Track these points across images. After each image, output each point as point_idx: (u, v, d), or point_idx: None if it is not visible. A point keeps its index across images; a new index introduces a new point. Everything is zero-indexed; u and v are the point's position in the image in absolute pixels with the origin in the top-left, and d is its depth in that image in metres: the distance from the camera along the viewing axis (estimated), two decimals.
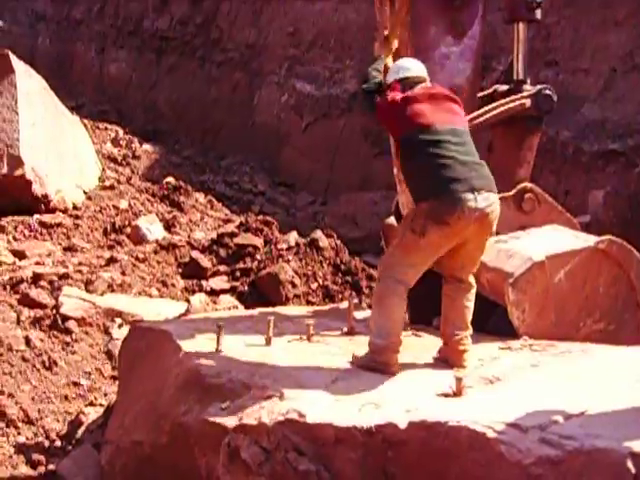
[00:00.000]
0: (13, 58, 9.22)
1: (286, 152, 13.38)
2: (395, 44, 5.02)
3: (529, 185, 5.24)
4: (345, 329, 4.89)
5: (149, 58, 16.84)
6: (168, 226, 9.04)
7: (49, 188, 8.90)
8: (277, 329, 4.69)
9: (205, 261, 7.87)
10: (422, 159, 4.17)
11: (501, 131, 5.37)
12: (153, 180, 11.18)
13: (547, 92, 5.26)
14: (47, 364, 6.03)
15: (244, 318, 5.33)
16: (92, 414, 5.61)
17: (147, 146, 13.15)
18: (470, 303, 4.27)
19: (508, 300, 4.60)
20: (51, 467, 5.20)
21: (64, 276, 7.07)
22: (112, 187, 10.12)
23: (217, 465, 3.87)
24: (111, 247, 8.28)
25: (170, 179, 10.90)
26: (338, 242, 8.14)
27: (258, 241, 8.09)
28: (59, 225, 8.50)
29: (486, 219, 4.13)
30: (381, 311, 4.17)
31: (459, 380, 3.66)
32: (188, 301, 7.12)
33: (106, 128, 13.15)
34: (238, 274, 7.69)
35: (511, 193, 5.14)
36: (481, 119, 5.17)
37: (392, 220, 5.50)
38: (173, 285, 7.51)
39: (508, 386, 3.77)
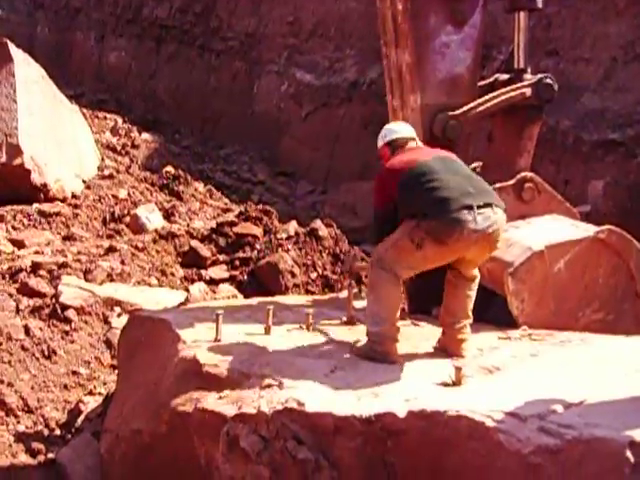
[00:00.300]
0: (11, 46, 9.17)
1: (286, 141, 13.36)
2: None
3: (529, 174, 5.23)
4: (344, 318, 4.89)
5: (148, 47, 16.80)
6: (167, 215, 9.03)
7: (48, 177, 8.87)
8: (276, 318, 4.69)
9: (204, 250, 7.86)
10: (413, 194, 4.10)
11: (501, 120, 5.36)
12: (152, 169, 11.16)
13: (548, 81, 5.25)
14: (46, 353, 6.03)
15: (243, 307, 5.33)
16: (91, 403, 5.62)
17: (146, 135, 13.12)
18: (472, 293, 4.25)
19: (508, 290, 4.60)
20: (50, 456, 5.21)
21: (63, 265, 7.06)
22: (111, 176, 10.10)
23: (216, 454, 3.88)
24: (110, 236, 8.27)
25: (169, 168, 10.88)
26: (338, 231, 8.12)
27: (257, 230, 8.08)
28: (58, 214, 8.48)
29: (488, 239, 4.06)
30: (375, 298, 4.16)
31: (458, 369, 3.67)
32: (187, 290, 7.12)
33: (105, 117, 13.12)
34: (237, 263, 7.68)
35: (511, 182, 5.14)
36: (481, 108, 5.16)
37: None
38: (172, 274, 7.51)
39: (507, 375, 3.77)
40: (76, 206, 8.83)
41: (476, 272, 4.28)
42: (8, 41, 9.26)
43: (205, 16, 15.66)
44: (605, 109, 9.16)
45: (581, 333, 4.40)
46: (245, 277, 7.50)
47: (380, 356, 4.09)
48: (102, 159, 10.72)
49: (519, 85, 5.26)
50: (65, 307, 6.40)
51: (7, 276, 6.88)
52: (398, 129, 4.60)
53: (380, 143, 4.57)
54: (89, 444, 5.13)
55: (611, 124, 9.01)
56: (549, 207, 5.20)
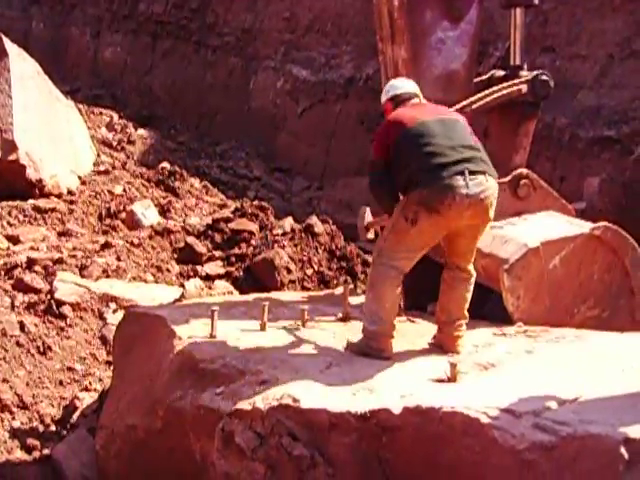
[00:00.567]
0: (7, 42, 9.14)
1: (282, 137, 13.34)
2: None
3: (525, 171, 5.23)
4: (340, 315, 4.89)
5: (144, 42, 16.74)
6: (163, 211, 9.01)
7: (43, 173, 8.85)
8: (272, 314, 4.69)
9: (200, 246, 7.85)
10: (409, 154, 4.08)
11: (497, 117, 5.36)
12: (148, 165, 11.13)
13: (544, 78, 5.25)
14: (41, 349, 6.02)
15: (239, 303, 5.33)
16: (87, 399, 5.62)
17: (142, 131, 13.09)
18: (468, 293, 4.25)
19: (503, 286, 4.60)
20: (46, 452, 5.21)
21: (58, 261, 7.05)
22: (107, 172, 10.08)
23: (211, 450, 3.88)
24: (106, 232, 8.26)
25: (165, 164, 10.86)
26: (334, 228, 8.12)
27: (253, 226, 8.08)
28: (53, 210, 8.46)
29: (480, 206, 4.02)
30: (374, 297, 4.16)
31: (453, 366, 3.67)
32: (183, 286, 7.11)
33: (101, 113, 13.08)
34: (233, 259, 7.67)
35: (507, 179, 5.14)
36: (477, 104, 5.15)
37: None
38: (168, 270, 7.50)
39: (502, 372, 3.77)
40: (72, 202, 8.81)
41: (472, 270, 4.28)
42: (3, 36, 9.23)
43: (201, 12, 15.61)
44: (601, 106, 9.16)
45: (576, 330, 4.40)
46: (241, 273, 7.49)
47: (375, 352, 4.09)
48: (98, 155, 10.69)
49: (515, 82, 5.25)
50: (60, 303, 6.39)
51: (2, 272, 6.86)
52: (401, 85, 4.53)
53: (383, 99, 4.51)
54: (84, 440, 5.14)
55: (607, 121, 9.01)
56: (545, 204, 5.20)
